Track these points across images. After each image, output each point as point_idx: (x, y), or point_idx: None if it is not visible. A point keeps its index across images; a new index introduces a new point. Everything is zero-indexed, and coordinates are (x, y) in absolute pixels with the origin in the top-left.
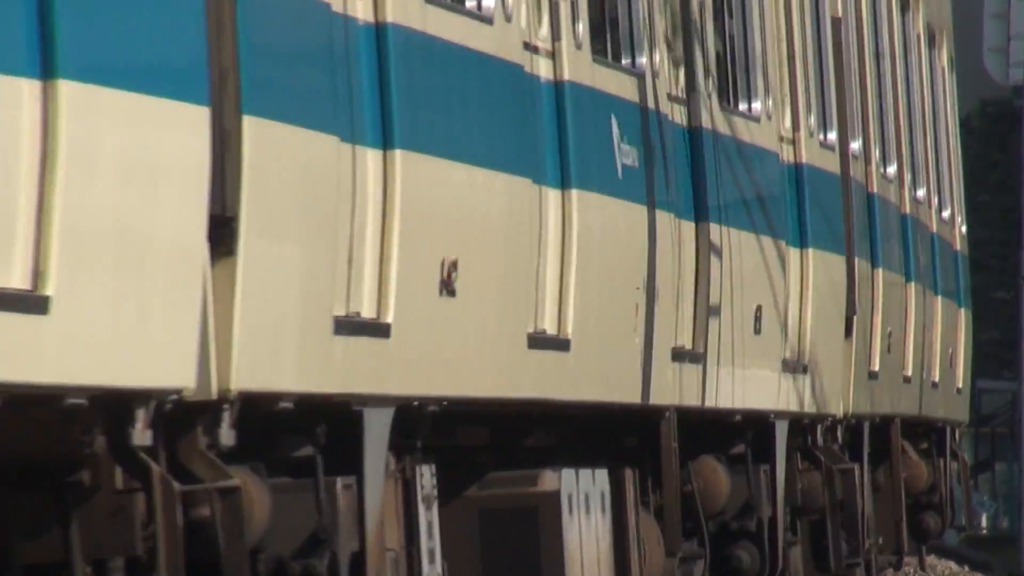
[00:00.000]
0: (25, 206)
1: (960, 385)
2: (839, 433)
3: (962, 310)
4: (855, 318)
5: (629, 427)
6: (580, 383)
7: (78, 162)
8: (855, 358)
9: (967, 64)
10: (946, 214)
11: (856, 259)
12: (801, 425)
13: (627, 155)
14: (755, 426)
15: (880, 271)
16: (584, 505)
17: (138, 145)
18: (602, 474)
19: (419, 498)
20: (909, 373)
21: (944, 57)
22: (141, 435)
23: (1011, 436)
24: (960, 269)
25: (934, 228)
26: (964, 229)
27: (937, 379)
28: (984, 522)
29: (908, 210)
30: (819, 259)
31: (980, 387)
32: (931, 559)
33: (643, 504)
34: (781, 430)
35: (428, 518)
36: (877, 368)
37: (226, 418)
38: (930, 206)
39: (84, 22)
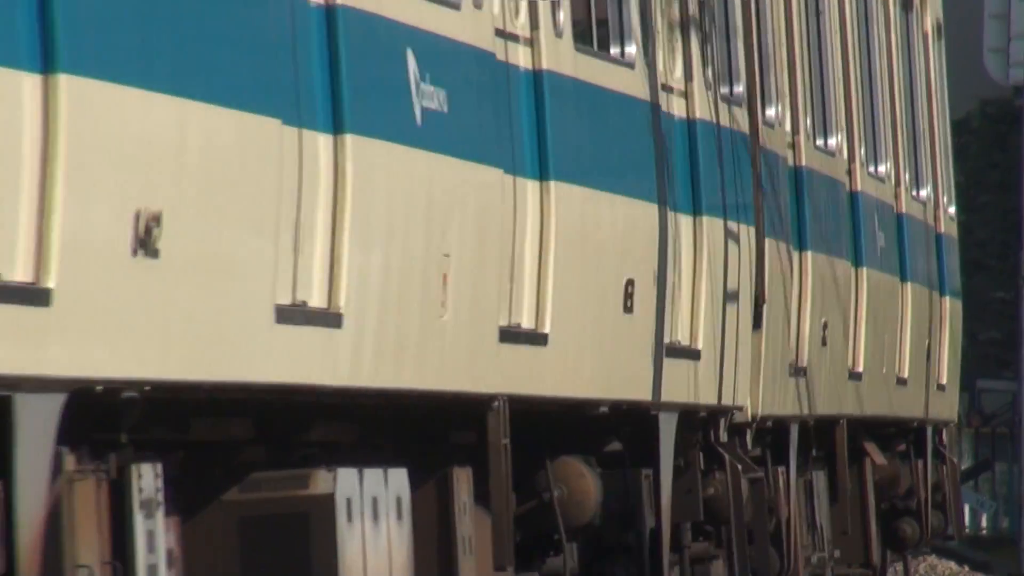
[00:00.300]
0: None
1: (943, 381)
2: (748, 437)
3: (946, 299)
4: (765, 307)
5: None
6: (363, 367)
7: None
8: (766, 351)
9: (968, 64)
10: (924, 193)
11: (777, 241)
12: (698, 421)
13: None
14: (633, 421)
15: (809, 254)
16: (371, 511)
17: None
18: (399, 474)
19: (135, 503)
20: (859, 369)
21: (927, 22)
22: None
23: (1011, 436)
24: (944, 253)
25: (903, 208)
26: (952, 210)
27: (906, 375)
28: (984, 523)
29: (859, 187)
30: (716, 230)
31: (980, 387)
32: (931, 559)
33: (487, 508)
34: (667, 425)
35: (148, 527)
36: (805, 363)
37: None
38: (898, 183)
39: None
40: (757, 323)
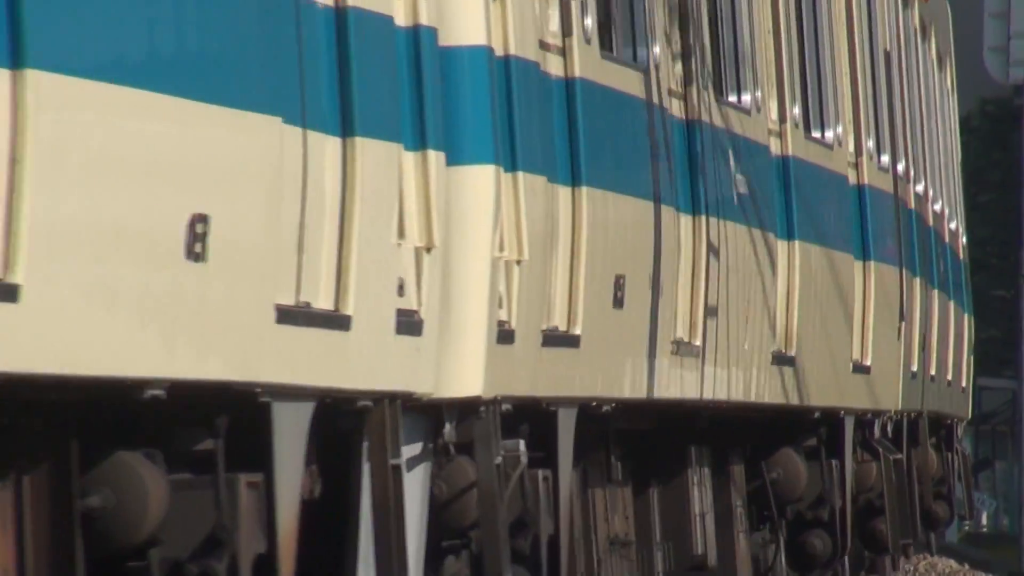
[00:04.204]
0: None
1: (964, 384)
2: (889, 428)
3: (966, 314)
4: (904, 323)
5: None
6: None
7: None
8: (903, 359)
9: (967, 63)
10: (953, 226)
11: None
12: (863, 421)
13: None
14: (826, 422)
15: (917, 279)
16: None
17: None
18: None
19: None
20: (934, 372)
21: (932, 51)
22: None
23: (1011, 434)
24: (963, 276)
25: (947, 239)
26: (964, 240)
27: (951, 378)
28: (984, 520)
29: (931, 223)
30: (879, 271)
31: (980, 385)
32: (931, 558)
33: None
34: (849, 426)
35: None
36: (915, 368)
37: None
38: (943, 218)
39: None
40: (899, 335)
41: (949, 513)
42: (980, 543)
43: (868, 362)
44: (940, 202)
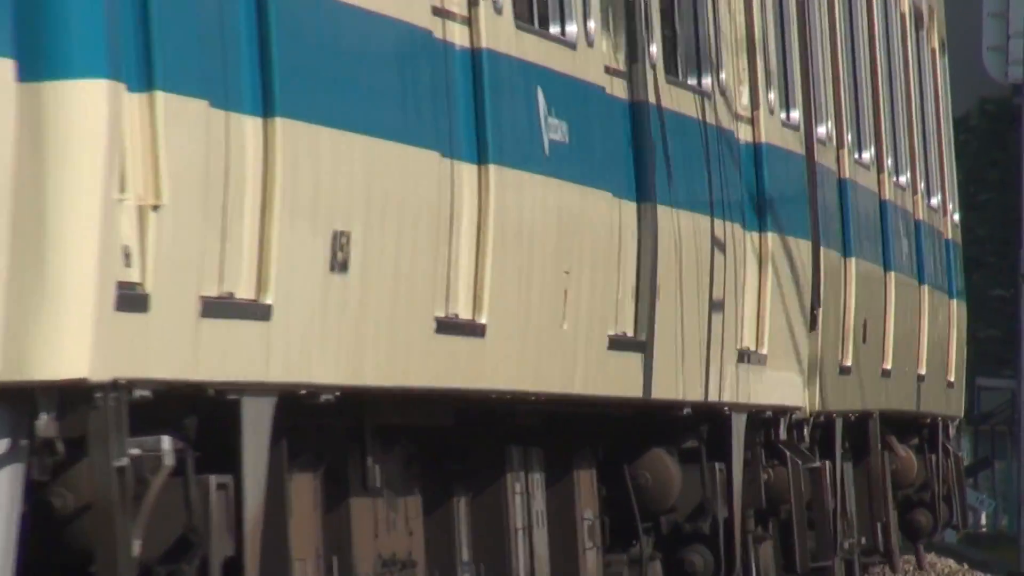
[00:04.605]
0: None
1: (952, 379)
2: (806, 430)
3: (954, 301)
4: (820, 310)
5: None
6: (500, 372)
7: None
8: (822, 351)
9: (967, 63)
10: (935, 201)
11: (823, 248)
12: (762, 420)
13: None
14: (710, 420)
15: (853, 260)
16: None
17: None
18: None
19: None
20: (888, 366)
21: (935, 39)
22: None
23: (1010, 434)
24: (952, 258)
25: (920, 215)
26: (956, 217)
27: (924, 372)
28: (983, 521)
29: (887, 196)
30: (779, 244)
31: (979, 385)
32: (930, 557)
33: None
34: (738, 424)
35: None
36: (850, 362)
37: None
38: (915, 192)
39: None
40: (812, 325)
41: (932, 521)
42: (979, 543)
43: (764, 351)
44: (906, 175)
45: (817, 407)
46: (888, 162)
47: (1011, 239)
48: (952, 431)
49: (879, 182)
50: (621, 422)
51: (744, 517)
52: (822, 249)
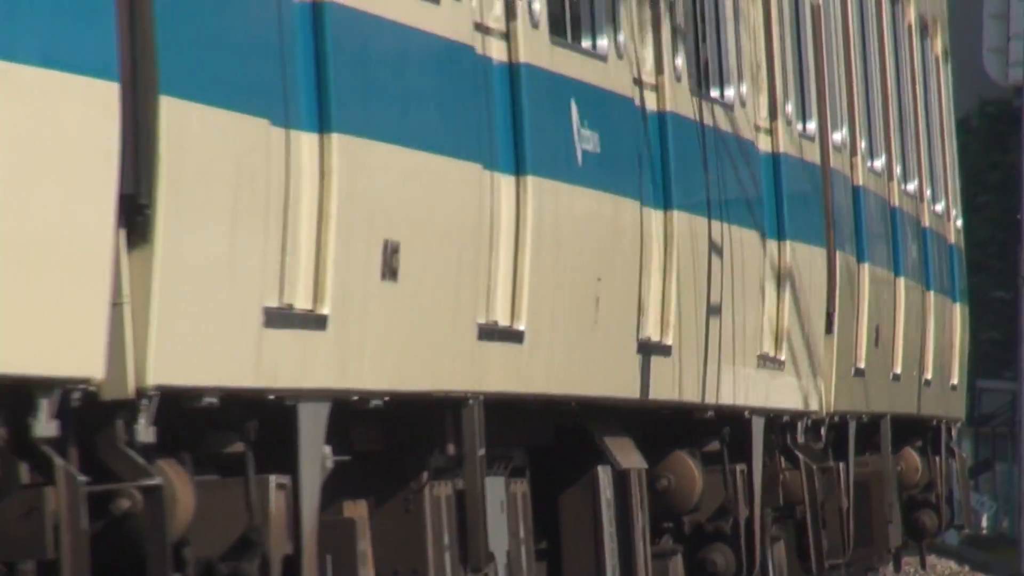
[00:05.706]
0: None
1: (955, 382)
2: (823, 431)
3: (957, 305)
4: (836, 314)
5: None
6: (535, 376)
7: None
8: (837, 355)
9: (967, 64)
10: (939, 207)
11: (838, 253)
12: (781, 423)
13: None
14: (731, 423)
15: (867, 266)
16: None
17: (37, 122)
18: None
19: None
20: (899, 370)
21: (938, 47)
22: (45, 426)
23: (1011, 436)
24: (955, 263)
25: (927, 222)
26: (959, 223)
27: (930, 376)
28: (984, 522)
29: (897, 203)
30: (796, 250)
31: (980, 387)
32: (931, 559)
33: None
34: (758, 427)
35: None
36: (863, 365)
37: (144, 414)
38: (922, 199)
39: None
40: (828, 329)
41: (937, 521)
42: (980, 545)
43: (783, 356)
44: (914, 183)
45: (832, 408)
46: (897, 170)
47: (1011, 241)
48: (954, 433)
49: (889, 189)
50: (644, 425)
51: (763, 517)
52: (837, 254)
